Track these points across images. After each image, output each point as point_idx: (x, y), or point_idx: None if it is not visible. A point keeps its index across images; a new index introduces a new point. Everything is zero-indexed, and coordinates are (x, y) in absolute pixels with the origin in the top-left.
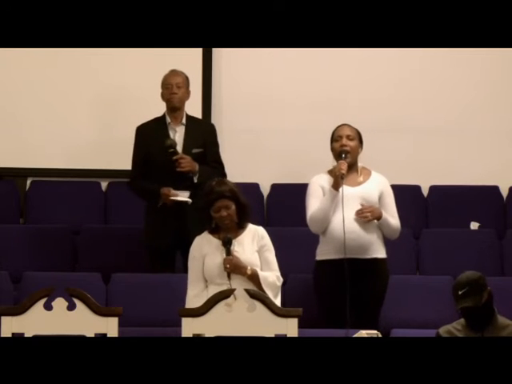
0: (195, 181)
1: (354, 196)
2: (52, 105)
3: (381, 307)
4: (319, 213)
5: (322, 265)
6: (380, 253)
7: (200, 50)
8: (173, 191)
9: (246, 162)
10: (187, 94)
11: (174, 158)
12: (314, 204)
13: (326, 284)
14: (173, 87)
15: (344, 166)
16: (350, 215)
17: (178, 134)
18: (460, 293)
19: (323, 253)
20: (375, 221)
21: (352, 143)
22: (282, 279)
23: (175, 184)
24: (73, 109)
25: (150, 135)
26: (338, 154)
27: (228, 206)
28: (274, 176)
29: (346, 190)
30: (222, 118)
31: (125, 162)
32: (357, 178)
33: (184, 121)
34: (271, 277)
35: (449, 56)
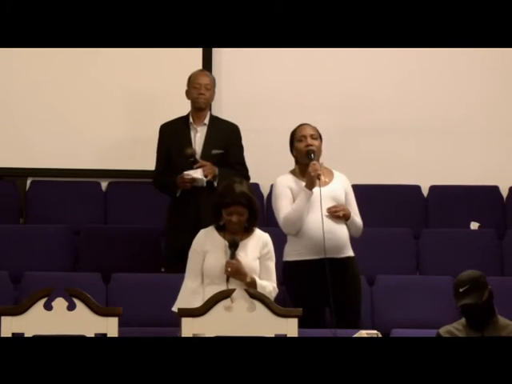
0: (215, 185)
1: (324, 196)
2: (52, 105)
3: (360, 305)
4: (294, 214)
5: (295, 265)
6: (350, 251)
7: (200, 50)
8: (185, 172)
9: (246, 161)
10: (213, 95)
11: (195, 166)
12: (286, 205)
13: (303, 285)
14: (201, 87)
15: (318, 166)
16: (324, 215)
17: (198, 135)
18: (461, 290)
19: (296, 253)
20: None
21: (316, 142)
22: (277, 291)
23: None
24: (73, 109)
25: (172, 134)
26: (305, 155)
27: (241, 212)
28: (273, 176)
29: (317, 190)
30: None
31: (125, 162)
32: (322, 178)
33: (207, 121)
34: (268, 287)
35: (449, 56)
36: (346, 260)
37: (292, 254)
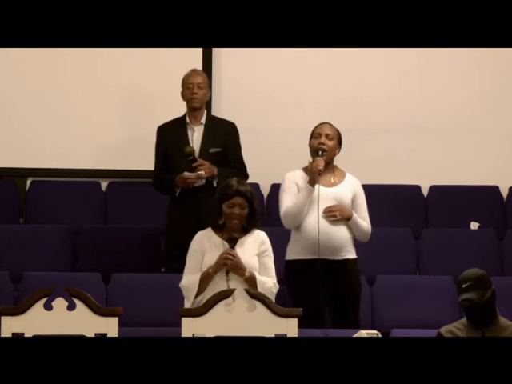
0: (214, 185)
1: (327, 196)
2: (52, 105)
3: (359, 307)
4: (294, 208)
5: (293, 264)
6: (351, 253)
7: (200, 50)
8: (186, 174)
9: (246, 161)
10: (208, 93)
11: (194, 165)
12: (289, 199)
13: (299, 284)
14: (194, 87)
15: (321, 162)
16: (321, 215)
17: (196, 134)
18: (463, 286)
19: (294, 252)
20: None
21: (330, 143)
22: (278, 286)
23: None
24: (73, 109)
25: (170, 135)
26: (314, 151)
27: (243, 206)
28: (274, 176)
29: (320, 189)
30: None
31: (125, 162)
32: (331, 179)
33: (203, 120)
34: (268, 283)
35: (449, 56)
36: (342, 262)
37: (291, 252)
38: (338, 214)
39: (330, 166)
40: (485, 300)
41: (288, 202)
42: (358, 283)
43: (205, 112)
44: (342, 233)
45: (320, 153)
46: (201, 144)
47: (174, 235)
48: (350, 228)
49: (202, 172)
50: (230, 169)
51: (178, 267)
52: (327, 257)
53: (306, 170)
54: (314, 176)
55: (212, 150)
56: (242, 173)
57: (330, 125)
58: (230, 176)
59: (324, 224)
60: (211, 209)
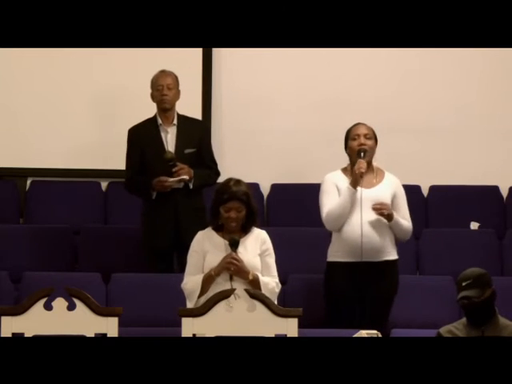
0: (191, 187)
1: (368, 198)
2: (52, 105)
3: (391, 308)
4: (336, 210)
5: (333, 266)
6: (392, 255)
7: (200, 50)
8: (170, 179)
9: (246, 161)
10: (178, 94)
11: (174, 170)
12: (331, 201)
13: (337, 286)
14: (163, 88)
15: (363, 164)
16: (365, 218)
17: (169, 135)
18: (463, 284)
19: (335, 254)
20: (387, 222)
21: (369, 142)
22: (280, 286)
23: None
24: (73, 109)
25: (143, 137)
26: (356, 153)
27: (239, 209)
28: (274, 176)
29: (360, 191)
30: (222, 118)
31: (125, 162)
32: (372, 179)
33: (175, 121)
34: (271, 283)
35: (449, 56)
36: (383, 263)
37: (332, 254)
38: (386, 213)
39: (369, 166)
40: (483, 298)
41: (329, 204)
42: (395, 284)
43: (176, 113)
44: (382, 234)
45: (362, 154)
46: (175, 145)
47: (154, 238)
48: (390, 228)
49: (186, 176)
50: (205, 170)
51: (160, 268)
52: (368, 259)
53: (344, 170)
54: (356, 178)
55: (187, 151)
56: (215, 171)
57: (365, 124)
58: (205, 177)
59: (366, 226)
60: (210, 209)
